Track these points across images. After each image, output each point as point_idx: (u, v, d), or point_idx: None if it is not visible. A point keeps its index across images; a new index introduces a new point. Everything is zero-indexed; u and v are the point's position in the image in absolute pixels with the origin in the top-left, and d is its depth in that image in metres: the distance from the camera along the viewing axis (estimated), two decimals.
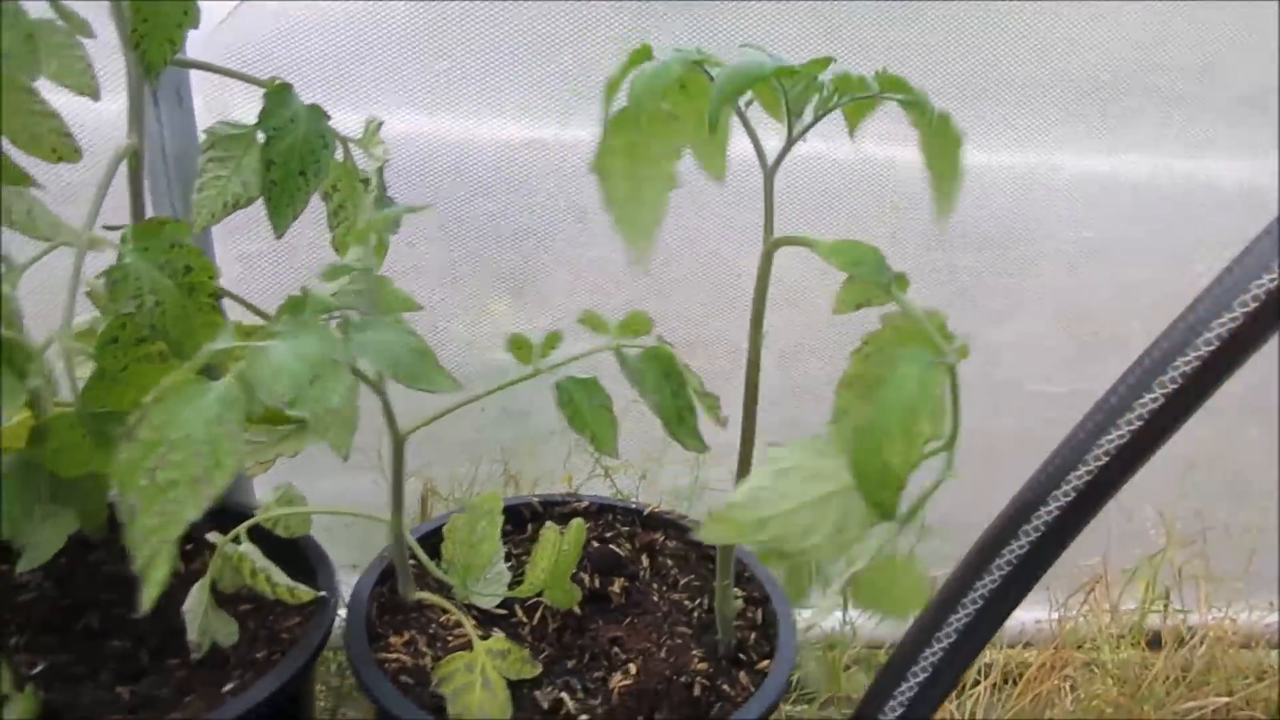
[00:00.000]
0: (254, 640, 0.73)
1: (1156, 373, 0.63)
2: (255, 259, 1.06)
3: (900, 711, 0.69)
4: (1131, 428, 0.63)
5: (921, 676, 0.69)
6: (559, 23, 1.00)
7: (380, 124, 0.78)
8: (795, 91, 0.52)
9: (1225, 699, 1.16)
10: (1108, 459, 0.64)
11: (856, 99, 0.52)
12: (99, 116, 0.78)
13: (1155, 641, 1.22)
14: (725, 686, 0.71)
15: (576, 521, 0.73)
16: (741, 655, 0.75)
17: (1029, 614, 1.25)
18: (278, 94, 0.73)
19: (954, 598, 0.69)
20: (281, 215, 0.74)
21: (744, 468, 0.71)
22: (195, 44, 0.74)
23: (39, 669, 0.68)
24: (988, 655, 1.21)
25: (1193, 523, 1.19)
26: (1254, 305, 0.57)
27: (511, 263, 1.08)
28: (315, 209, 0.78)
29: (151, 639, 0.74)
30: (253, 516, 0.74)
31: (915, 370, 0.49)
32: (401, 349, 0.56)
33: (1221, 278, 0.62)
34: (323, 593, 0.72)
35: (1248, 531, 1.19)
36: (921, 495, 0.57)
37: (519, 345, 0.74)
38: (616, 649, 0.74)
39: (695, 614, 0.79)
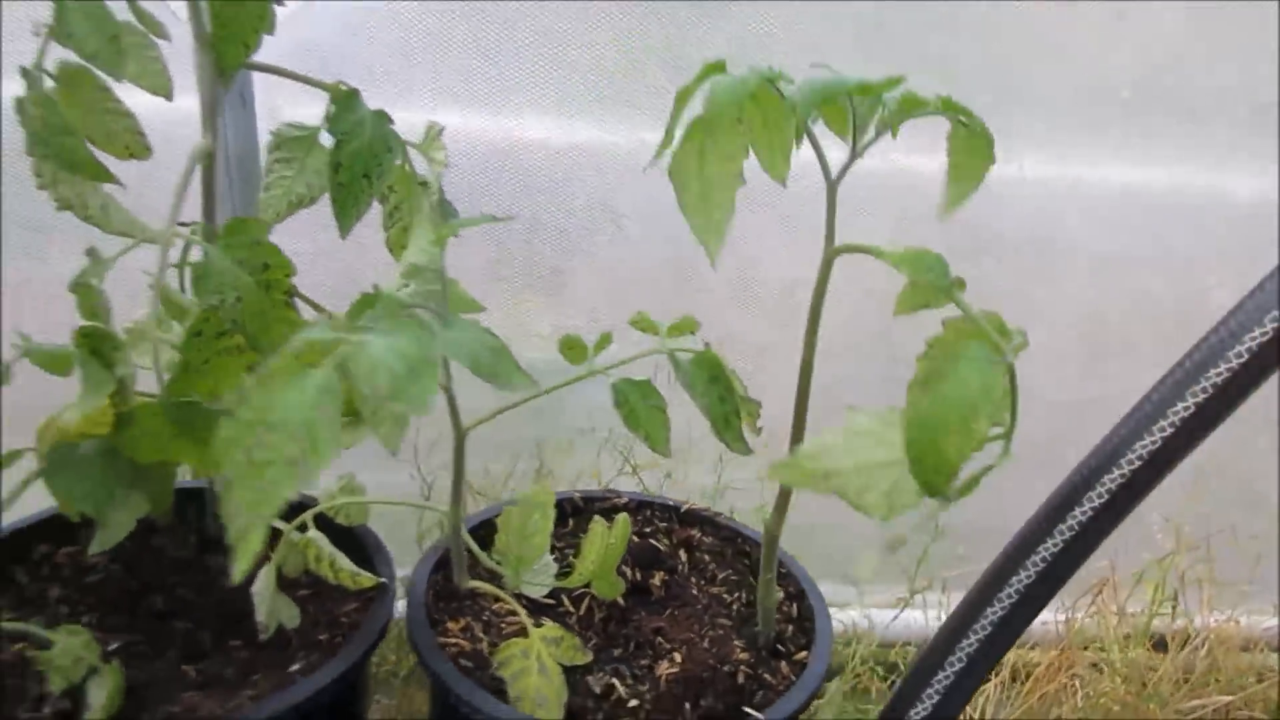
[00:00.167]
0: (315, 624, 0.76)
1: (1189, 382, 0.67)
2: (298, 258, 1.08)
3: (936, 700, 0.72)
4: (1164, 434, 0.67)
5: (957, 667, 0.72)
6: (599, 30, 1.03)
7: (441, 129, 0.81)
8: (863, 108, 0.55)
9: (1228, 698, 1.20)
10: (1140, 463, 0.67)
11: (918, 116, 0.55)
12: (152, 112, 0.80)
13: (1161, 644, 1.26)
14: (767, 676, 0.74)
15: (622, 516, 0.76)
16: (780, 646, 0.78)
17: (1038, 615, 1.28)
18: (347, 99, 0.76)
19: (989, 592, 0.72)
20: (347, 216, 0.76)
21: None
22: None
23: (114, 647, 0.71)
24: None
25: (1200, 529, 1.23)
26: None
27: (549, 262, 1.11)
28: None
29: (213, 621, 0.76)
30: (310, 505, 0.77)
31: (976, 368, 0.52)
32: (481, 348, 0.59)
33: (1254, 292, 0.65)
34: (383, 579, 0.75)
35: (1254, 538, 1.23)
36: (973, 476, 0.61)
37: (571, 346, 0.77)
38: (660, 639, 0.77)
39: (734, 607, 0.82)
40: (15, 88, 0.83)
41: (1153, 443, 0.67)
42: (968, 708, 1.19)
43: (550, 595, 0.80)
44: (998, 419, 0.53)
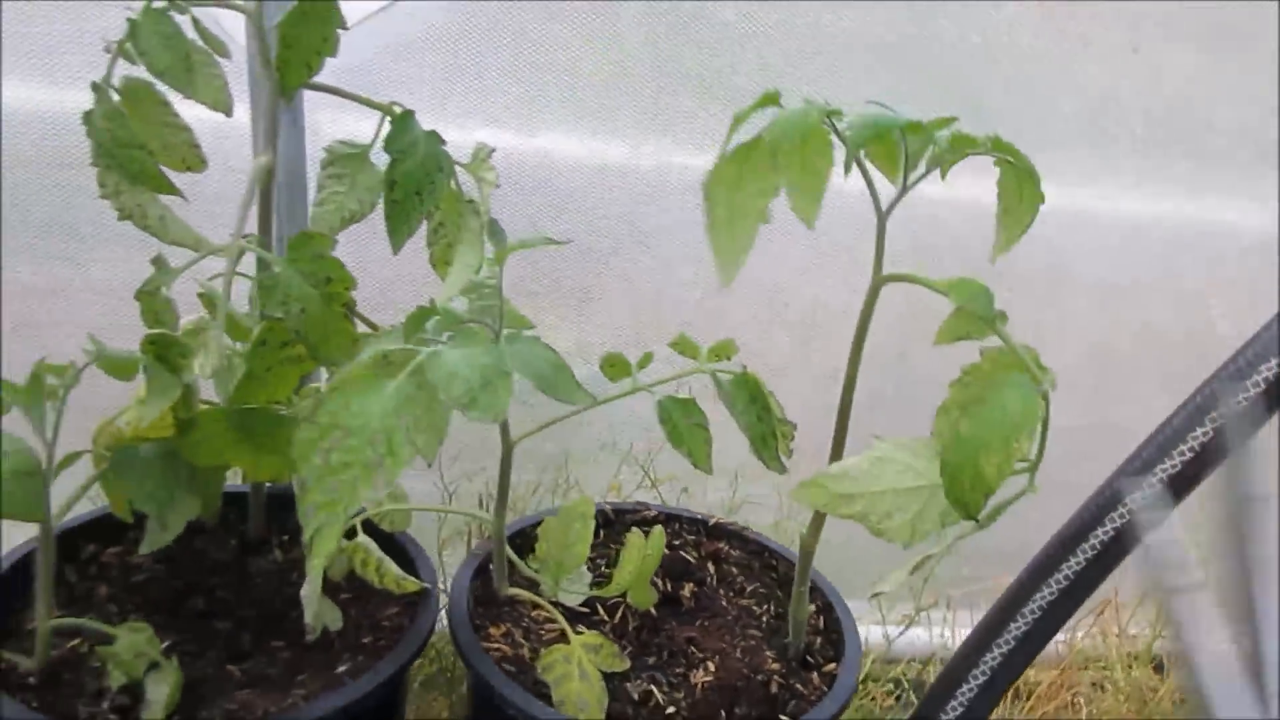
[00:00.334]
0: (357, 627, 0.78)
1: (1207, 409, 0.70)
2: None
3: (960, 711, 0.75)
4: (1184, 458, 0.70)
5: (981, 679, 0.75)
6: (637, 58, 1.06)
7: (491, 150, 0.84)
8: (915, 145, 0.58)
9: None
10: (1160, 486, 0.71)
11: (969, 154, 0.58)
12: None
13: (1161, 668, 1.29)
14: (798, 686, 0.77)
15: (658, 529, 0.79)
16: (809, 658, 0.80)
17: None
18: (402, 120, 0.78)
19: (1013, 607, 0.75)
20: (399, 233, 0.79)
21: None
22: None
23: (164, 645, 0.73)
24: None
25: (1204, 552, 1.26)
26: None
27: (578, 280, 1.14)
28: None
29: (253, 622, 0.78)
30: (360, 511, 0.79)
31: (1019, 394, 0.55)
32: (543, 363, 0.62)
33: (1269, 326, 0.69)
34: (427, 585, 0.77)
35: None
36: (1000, 504, 0.64)
37: (613, 363, 0.80)
38: (693, 648, 0.80)
39: (763, 618, 0.84)
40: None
41: (1172, 466, 0.70)
42: None
43: (585, 604, 0.82)
44: (1026, 451, 0.56)
